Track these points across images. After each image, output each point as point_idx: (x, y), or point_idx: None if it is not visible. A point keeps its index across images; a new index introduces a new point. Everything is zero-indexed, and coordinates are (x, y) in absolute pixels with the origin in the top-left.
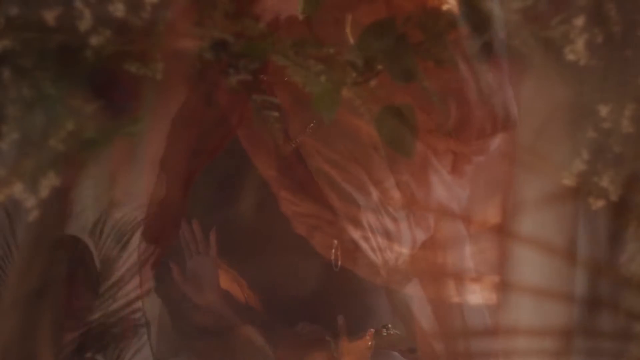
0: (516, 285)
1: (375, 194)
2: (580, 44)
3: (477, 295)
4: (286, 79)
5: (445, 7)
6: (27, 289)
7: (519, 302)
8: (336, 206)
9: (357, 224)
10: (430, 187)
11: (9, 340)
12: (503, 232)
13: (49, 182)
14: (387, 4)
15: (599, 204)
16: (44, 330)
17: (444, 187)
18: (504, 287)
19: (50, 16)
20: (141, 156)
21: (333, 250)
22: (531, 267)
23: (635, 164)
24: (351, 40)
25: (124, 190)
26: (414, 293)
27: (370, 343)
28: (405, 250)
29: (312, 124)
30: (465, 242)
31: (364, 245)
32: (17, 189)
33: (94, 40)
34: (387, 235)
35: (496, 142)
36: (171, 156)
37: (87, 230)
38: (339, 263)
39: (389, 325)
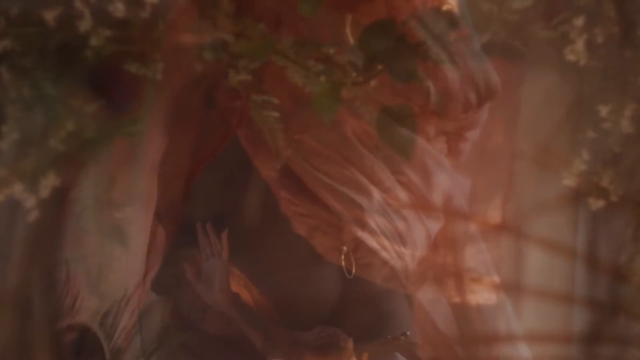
0: (528, 287)
1: (377, 195)
2: (580, 44)
3: (491, 296)
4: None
5: (445, 8)
6: (26, 290)
7: (527, 305)
8: (339, 210)
9: (365, 227)
10: (431, 175)
11: (7, 340)
12: (514, 233)
13: (49, 182)
14: (387, 4)
15: (598, 204)
16: (41, 332)
17: (445, 174)
18: (513, 288)
19: (50, 16)
20: (141, 156)
21: (343, 256)
22: (541, 268)
23: (636, 164)
24: (351, 41)
25: (124, 191)
26: (430, 295)
27: None
28: (420, 246)
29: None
30: (476, 241)
31: (377, 247)
32: (17, 189)
33: (94, 41)
34: (400, 235)
35: (485, 114)
36: (171, 158)
37: (97, 320)
38: (353, 270)
39: (408, 333)
